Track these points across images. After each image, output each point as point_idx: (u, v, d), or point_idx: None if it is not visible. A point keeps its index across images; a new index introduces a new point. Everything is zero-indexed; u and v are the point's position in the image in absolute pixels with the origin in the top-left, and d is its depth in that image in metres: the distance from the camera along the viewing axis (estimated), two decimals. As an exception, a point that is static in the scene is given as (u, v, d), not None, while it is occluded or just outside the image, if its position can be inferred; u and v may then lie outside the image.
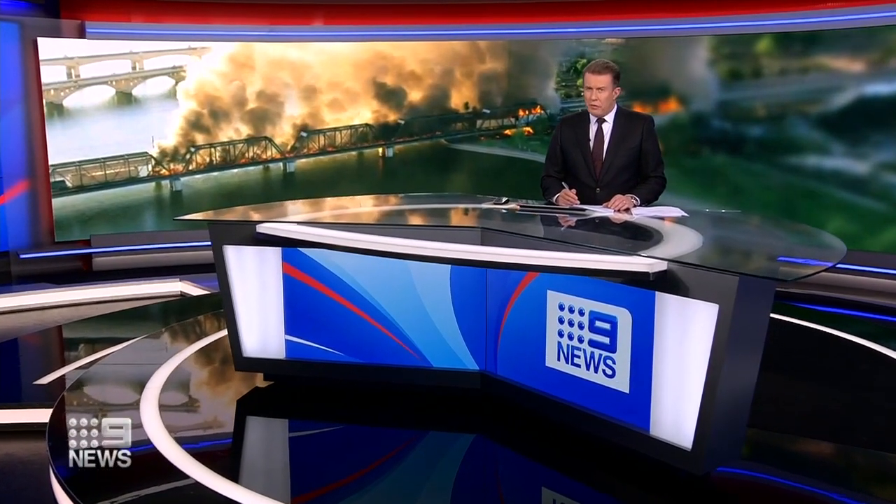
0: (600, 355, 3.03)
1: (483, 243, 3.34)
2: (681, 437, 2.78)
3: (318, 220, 3.65)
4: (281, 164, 8.83)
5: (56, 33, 7.87)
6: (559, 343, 3.19)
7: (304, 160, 8.88)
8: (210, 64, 8.44)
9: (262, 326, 3.81)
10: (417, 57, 8.75)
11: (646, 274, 2.67)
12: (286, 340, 3.79)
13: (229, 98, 8.54)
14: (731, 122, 7.66)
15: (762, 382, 2.87)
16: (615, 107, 4.06)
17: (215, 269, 3.76)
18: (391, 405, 3.73)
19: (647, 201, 3.99)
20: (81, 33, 7.91)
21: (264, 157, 8.76)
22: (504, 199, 4.18)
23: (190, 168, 8.53)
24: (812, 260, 2.99)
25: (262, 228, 3.59)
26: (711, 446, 2.72)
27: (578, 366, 3.13)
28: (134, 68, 8.20)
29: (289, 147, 8.79)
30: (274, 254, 3.72)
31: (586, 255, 2.84)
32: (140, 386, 3.85)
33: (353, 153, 8.99)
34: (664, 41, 7.96)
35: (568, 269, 2.77)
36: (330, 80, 8.73)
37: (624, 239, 3.35)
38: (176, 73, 8.32)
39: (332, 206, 4.43)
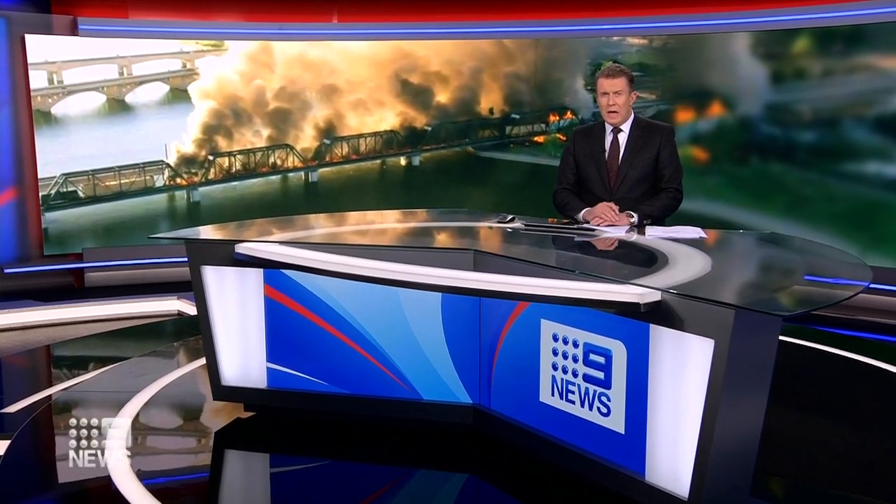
0: (595, 391, 3.07)
1: (476, 267, 3.40)
2: (677, 484, 2.80)
3: (299, 240, 3.75)
4: (303, 172, 9.03)
5: (46, 30, 8.01)
6: (553, 377, 3.24)
7: (326, 169, 9.07)
8: (226, 63, 8.66)
9: (242, 353, 3.91)
10: (441, 57, 8.88)
11: (637, 305, 2.71)
12: (268, 368, 3.90)
13: (248, 100, 8.73)
14: (780, 126, 7.62)
15: (790, 422, 2.81)
16: (632, 115, 4.16)
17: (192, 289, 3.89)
18: (379, 439, 3.80)
19: (650, 216, 4.05)
20: (73, 30, 8.08)
21: (286, 165, 8.96)
22: (509, 217, 4.25)
23: (208, 178, 8.73)
24: (840, 279, 3.00)
25: (241, 249, 3.69)
26: (710, 496, 2.73)
27: (573, 402, 3.17)
28: (122, 73, 8.38)
29: (311, 154, 8.98)
30: (255, 276, 3.82)
31: (575, 282, 2.88)
32: (111, 415, 3.94)
33: (378, 161, 9.16)
34: (703, 39, 7.94)
35: (553, 297, 2.83)
36: (352, 78, 8.90)
37: (623, 264, 3.39)
38: (172, 79, 8.50)
39: (328, 223, 4.52)
